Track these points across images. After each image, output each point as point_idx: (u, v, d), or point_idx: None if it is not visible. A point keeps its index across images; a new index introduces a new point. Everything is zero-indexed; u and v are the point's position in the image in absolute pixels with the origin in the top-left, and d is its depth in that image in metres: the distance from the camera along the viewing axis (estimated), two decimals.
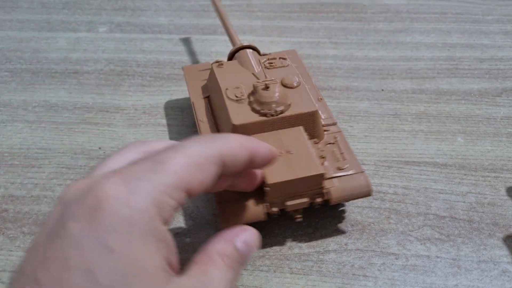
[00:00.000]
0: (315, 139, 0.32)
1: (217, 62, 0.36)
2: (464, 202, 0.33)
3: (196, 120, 0.34)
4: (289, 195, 0.28)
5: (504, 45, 0.49)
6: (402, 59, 0.47)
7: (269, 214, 0.28)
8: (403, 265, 0.29)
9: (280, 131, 0.30)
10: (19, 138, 0.39)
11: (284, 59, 0.36)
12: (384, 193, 0.34)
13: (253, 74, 0.34)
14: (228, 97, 0.31)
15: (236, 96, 0.31)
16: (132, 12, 0.56)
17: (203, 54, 0.48)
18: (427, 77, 0.45)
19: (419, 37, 0.50)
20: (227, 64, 0.35)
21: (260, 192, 0.28)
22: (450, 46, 0.49)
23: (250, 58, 0.36)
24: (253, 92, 0.31)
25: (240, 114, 0.30)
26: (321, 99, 0.35)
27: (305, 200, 0.28)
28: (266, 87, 0.31)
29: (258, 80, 0.32)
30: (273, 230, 0.32)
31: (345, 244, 0.31)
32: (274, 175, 0.27)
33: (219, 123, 0.33)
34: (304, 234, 0.31)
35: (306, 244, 0.31)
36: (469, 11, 0.55)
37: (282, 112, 0.30)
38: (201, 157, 0.19)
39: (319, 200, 0.28)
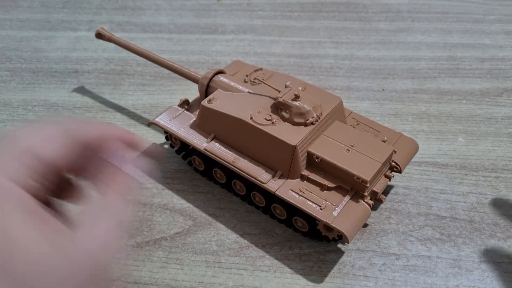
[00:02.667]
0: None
1: (185, 102, 0.34)
2: (465, 202, 0.33)
3: (226, 163, 0.30)
4: (375, 181, 0.29)
5: (505, 45, 0.49)
6: (403, 59, 0.47)
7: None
8: (403, 265, 0.29)
9: (326, 132, 0.30)
10: None
11: (260, 69, 0.35)
12: (385, 193, 0.34)
13: (253, 93, 0.32)
14: (259, 124, 0.29)
15: (267, 120, 0.29)
16: (133, 11, 0.56)
17: (203, 53, 0.48)
18: (428, 77, 0.45)
19: (420, 36, 0.50)
20: (217, 96, 0.32)
21: (343, 192, 0.28)
22: (451, 46, 0.49)
23: (230, 82, 0.34)
24: (285, 108, 0.30)
25: (288, 133, 0.28)
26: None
27: (384, 179, 0.30)
28: (297, 97, 0.29)
29: (278, 96, 0.30)
30: (274, 230, 0.32)
31: (346, 244, 0.31)
32: (364, 170, 0.28)
33: (252, 154, 0.30)
34: (304, 234, 0.31)
35: (306, 244, 0.31)
36: (471, 11, 0.55)
37: (321, 114, 0.30)
38: (52, 130, 0.21)
39: (391, 173, 0.30)
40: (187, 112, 0.34)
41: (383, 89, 0.43)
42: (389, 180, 0.30)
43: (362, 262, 0.30)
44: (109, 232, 0.20)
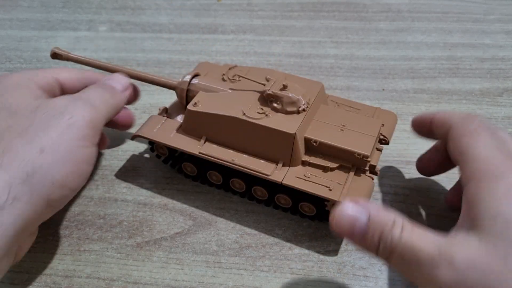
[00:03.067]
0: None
1: (165, 110, 0.34)
2: None
3: (225, 163, 0.30)
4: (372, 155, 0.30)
5: (505, 44, 0.49)
6: (403, 59, 0.47)
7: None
8: None
9: (316, 117, 0.31)
10: None
11: (235, 66, 0.36)
12: (385, 193, 0.34)
13: (237, 90, 0.32)
14: (254, 118, 0.29)
15: (260, 113, 0.30)
16: (133, 11, 0.56)
17: (203, 53, 0.48)
18: (428, 76, 0.44)
19: (421, 36, 0.50)
20: (201, 99, 0.31)
21: (346, 170, 0.29)
22: (452, 46, 0.49)
23: (209, 83, 0.33)
24: (275, 99, 0.30)
25: (284, 123, 0.29)
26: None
27: (377, 152, 0.31)
28: (285, 87, 0.30)
29: (265, 89, 0.31)
30: (274, 230, 0.32)
31: (346, 244, 0.31)
32: (362, 146, 0.29)
33: (249, 150, 0.30)
34: (304, 234, 0.31)
35: (306, 244, 0.31)
36: (471, 11, 0.55)
37: (310, 100, 0.31)
38: (70, 69, 0.33)
39: (382, 146, 0.32)
40: (170, 120, 0.33)
41: (383, 89, 0.43)
42: (380, 152, 0.32)
43: (362, 262, 0.30)
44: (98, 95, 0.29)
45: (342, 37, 0.50)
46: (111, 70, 0.35)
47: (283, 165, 0.30)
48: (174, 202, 0.33)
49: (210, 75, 0.35)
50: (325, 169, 0.29)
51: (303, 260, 0.30)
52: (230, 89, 0.33)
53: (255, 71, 0.34)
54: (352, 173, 0.29)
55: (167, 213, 0.33)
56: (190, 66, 0.46)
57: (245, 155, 0.30)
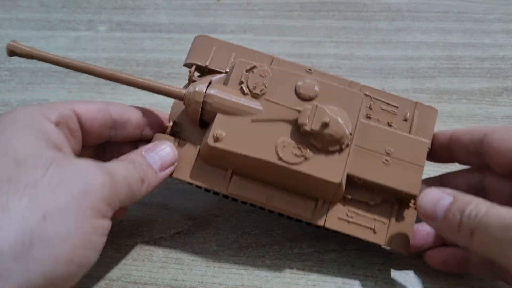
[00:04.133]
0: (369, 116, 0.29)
1: (175, 125, 0.28)
2: None
3: (259, 204, 0.27)
4: None
5: (505, 44, 0.49)
6: (403, 58, 0.47)
7: None
8: (403, 264, 0.29)
9: (357, 141, 0.27)
10: None
11: (253, 67, 0.28)
12: None
13: (265, 120, 0.27)
14: (291, 163, 0.25)
15: (297, 156, 0.26)
16: (132, 11, 0.55)
17: None
18: (428, 76, 0.44)
19: (420, 36, 0.50)
20: (222, 129, 0.26)
21: (389, 205, 0.28)
22: (451, 46, 0.49)
23: (229, 97, 0.27)
24: (314, 136, 0.26)
25: (327, 167, 0.26)
26: (310, 69, 0.30)
27: None
28: (326, 124, 0.25)
29: (301, 122, 0.26)
30: (274, 230, 0.32)
31: (345, 244, 0.31)
32: (410, 183, 0.27)
33: (286, 188, 0.27)
34: (304, 234, 0.31)
35: (306, 244, 0.31)
36: (471, 10, 0.55)
37: (351, 133, 0.26)
38: (90, 101, 0.28)
39: None
40: (184, 144, 0.28)
41: (383, 89, 0.43)
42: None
43: (362, 261, 0.30)
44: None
45: (342, 36, 0.50)
46: (92, 72, 0.30)
47: (324, 204, 0.27)
48: (174, 202, 0.33)
49: (216, 61, 0.30)
50: (367, 205, 0.27)
51: (303, 260, 0.30)
52: (255, 107, 0.27)
53: (280, 77, 0.28)
54: (396, 208, 0.27)
55: (167, 213, 0.33)
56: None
57: (281, 193, 0.27)
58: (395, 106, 0.30)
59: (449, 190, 0.24)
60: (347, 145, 0.26)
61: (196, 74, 0.31)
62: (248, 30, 0.51)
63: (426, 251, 0.28)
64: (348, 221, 0.27)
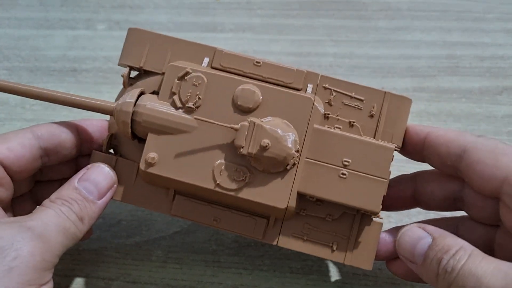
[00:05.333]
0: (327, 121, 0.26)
1: (109, 138, 0.26)
2: None
3: (206, 225, 0.25)
4: None
5: (505, 43, 0.49)
6: (403, 57, 0.47)
7: None
8: None
9: (309, 153, 0.24)
10: None
11: (186, 74, 0.25)
12: None
13: (197, 137, 0.24)
14: (231, 190, 0.23)
15: (236, 180, 0.23)
16: (131, 9, 0.55)
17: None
18: (428, 75, 0.44)
19: (420, 35, 0.50)
20: (154, 151, 0.24)
21: (350, 217, 0.25)
22: (451, 44, 0.49)
23: (161, 112, 0.24)
24: (254, 160, 0.23)
25: (271, 191, 0.23)
26: (258, 63, 0.26)
27: None
28: (265, 148, 0.23)
29: (238, 144, 0.23)
30: None
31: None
32: (370, 200, 0.24)
33: (236, 207, 0.25)
34: None
35: None
36: (470, 9, 0.54)
37: (298, 150, 0.24)
38: (10, 134, 0.24)
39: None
40: (123, 160, 0.25)
41: (383, 88, 0.43)
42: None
43: None
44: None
45: (341, 35, 0.50)
46: (21, 93, 0.26)
47: (276, 221, 0.25)
48: None
49: (151, 61, 0.27)
50: (324, 219, 0.25)
51: (303, 259, 0.30)
52: (188, 125, 0.24)
53: (216, 86, 0.25)
54: (357, 221, 0.25)
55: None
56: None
57: (228, 212, 0.25)
58: (360, 100, 0.26)
59: (430, 228, 0.22)
60: (294, 164, 0.24)
61: (134, 73, 0.28)
62: (247, 29, 0.51)
63: (389, 260, 0.26)
64: (304, 239, 0.25)
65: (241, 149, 0.23)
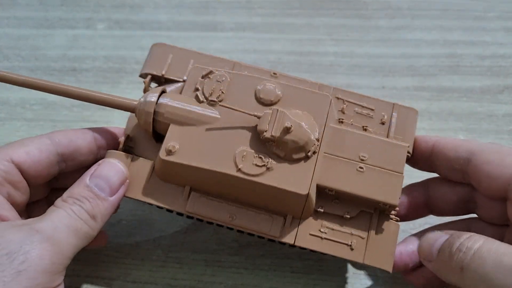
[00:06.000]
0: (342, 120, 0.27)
1: (128, 139, 0.26)
2: None
3: (221, 223, 0.25)
4: None
5: (506, 42, 0.49)
6: (403, 56, 0.47)
7: None
8: None
9: (327, 148, 0.25)
10: (17, 136, 0.38)
11: (210, 72, 0.26)
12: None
13: (221, 128, 0.24)
14: (252, 175, 0.23)
15: (259, 166, 0.23)
16: (131, 9, 0.55)
17: (202, 51, 0.48)
18: (429, 74, 0.44)
19: (421, 34, 0.50)
20: (175, 141, 0.24)
21: (367, 217, 0.25)
22: (452, 43, 0.49)
23: (183, 106, 0.25)
24: (276, 144, 0.23)
25: (292, 177, 0.23)
26: (275, 73, 0.28)
27: None
28: (288, 130, 0.23)
29: (260, 128, 0.23)
30: None
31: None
32: (389, 192, 0.24)
33: (250, 203, 0.25)
34: None
35: None
36: (471, 8, 0.54)
37: (318, 139, 0.24)
38: (28, 140, 0.25)
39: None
40: (138, 159, 0.25)
41: (383, 87, 0.43)
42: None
43: None
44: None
45: (341, 34, 0.50)
46: (40, 88, 0.26)
47: (293, 219, 0.25)
48: None
49: (173, 70, 0.27)
50: (342, 218, 0.25)
51: (303, 259, 0.30)
52: (211, 114, 0.25)
53: (239, 82, 0.26)
54: (375, 221, 0.25)
55: (166, 212, 0.32)
56: None
57: (245, 209, 0.24)
58: (371, 109, 0.27)
59: (449, 231, 0.22)
60: (314, 152, 0.24)
61: (154, 85, 0.29)
62: (247, 28, 0.51)
63: (408, 272, 0.26)
64: (322, 238, 0.24)
65: (264, 133, 0.23)
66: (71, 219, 0.22)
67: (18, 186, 0.24)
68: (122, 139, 0.26)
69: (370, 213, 0.25)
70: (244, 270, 0.29)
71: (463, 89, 0.43)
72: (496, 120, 0.39)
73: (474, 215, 0.27)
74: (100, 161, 0.24)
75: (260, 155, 0.23)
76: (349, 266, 0.29)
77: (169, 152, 0.24)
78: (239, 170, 0.23)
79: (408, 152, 0.26)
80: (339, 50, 0.48)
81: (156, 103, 0.25)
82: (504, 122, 0.39)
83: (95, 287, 0.28)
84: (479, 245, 0.19)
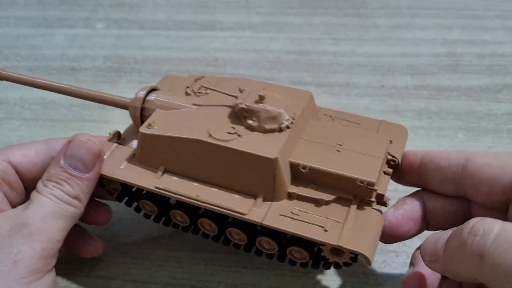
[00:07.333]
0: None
1: (116, 135, 0.27)
2: None
3: (188, 200, 0.24)
4: (378, 182, 0.24)
5: (505, 41, 0.49)
6: (403, 55, 0.47)
7: None
8: (403, 262, 0.29)
9: (305, 135, 0.25)
10: (16, 136, 0.38)
11: (202, 77, 0.29)
12: None
13: (202, 106, 0.26)
14: (222, 140, 0.23)
15: (230, 133, 0.23)
16: (130, 8, 0.55)
17: (201, 50, 0.48)
18: (428, 73, 0.44)
19: (420, 33, 0.50)
20: (157, 118, 0.25)
21: (346, 203, 0.23)
22: (451, 42, 0.49)
23: (169, 98, 0.27)
24: (250, 114, 0.24)
25: (262, 145, 0.23)
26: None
27: (385, 177, 0.26)
28: (261, 98, 0.24)
29: (236, 102, 0.24)
30: None
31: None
32: (365, 171, 0.23)
33: (220, 181, 0.24)
34: None
35: None
36: (470, 7, 0.54)
37: (295, 114, 0.24)
38: (25, 144, 0.26)
39: (390, 169, 0.26)
40: (122, 146, 0.27)
41: (383, 86, 0.43)
42: (390, 177, 0.25)
43: (363, 259, 0.30)
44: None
45: (341, 33, 0.50)
46: (44, 87, 0.29)
47: (264, 200, 0.23)
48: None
49: (174, 89, 0.29)
50: (318, 202, 0.23)
51: None
52: (195, 104, 0.26)
53: (226, 81, 0.28)
54: (354, 207, 0.23)
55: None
56: (188, 64, 0.46)
57: (214, 189, 0.24)
58: (357, 123, 0.27)
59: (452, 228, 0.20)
60: (288, 127, 0.24)
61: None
62: (246, 27, 0.51)
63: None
64: (293, 219, 0.22)
65: (239, 104, 0.24)
66: (55, 205, 0.23)
67: (15, 186, 0.25)
68: (111, 132, 0.27)
69: (349, 200, 0.23)
70: (244, 269, 0.29)
71: (462, 88, 0.43)
72: (495, 119, 0.39)
73: None
74: (70, 138, 0.25)
75: (233, 126, 0.24)
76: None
77: (149, 126, 0.25)
78: (210, 136, 0.23)
79: (396, 164, 0.25)
80: (339, 49, 0.48)
81: (144, 99, 0.27)
82: (503, 121, 0.39)
83: (94, 287, 0.28)
84: (500, 228, 0.16)
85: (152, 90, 0.27)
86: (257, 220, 0.22)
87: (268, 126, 0.24)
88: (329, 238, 0.22)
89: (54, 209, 0.23)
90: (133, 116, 0.27)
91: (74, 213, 0.24)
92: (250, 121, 0.24)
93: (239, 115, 0.24)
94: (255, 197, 0.23)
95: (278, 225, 0.22)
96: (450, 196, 0.24)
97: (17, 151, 0.25)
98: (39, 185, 0.24)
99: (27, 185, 0.25)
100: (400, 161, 0.26)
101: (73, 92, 0.29)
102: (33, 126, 0.39)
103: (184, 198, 0.24)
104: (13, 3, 0.56)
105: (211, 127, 0.24)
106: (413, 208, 0.25)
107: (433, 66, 0.45)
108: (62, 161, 0.24)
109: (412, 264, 0.25)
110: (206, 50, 0.48)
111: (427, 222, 0.25)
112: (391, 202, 0.25)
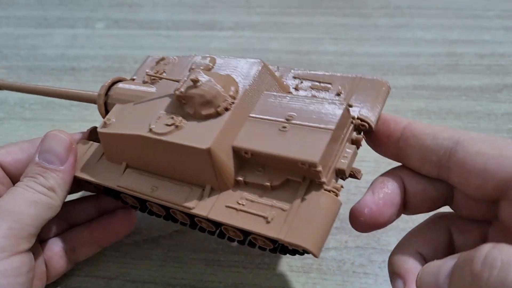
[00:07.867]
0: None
1: (94, 131, 0.28)
2: None
3: (143, 196, 0.24)
4: (332, 157, 0.22)
5: (505, 41, 0.49)
6: (403, 55, 0.47)
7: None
8: None
9: (254, 112, 0.23)
10: (16, 136, 0.38)
11: (162, 59, 0.28)
12: None
13: (149, 95, 0.25)
14: (159, 134, 0.22)
15: (168, 125, 0.22)
16: (130, 8, 0.55)
17: (201, 50, 0.48)
18: (428, 73, 0.44)
19: (420, 32, 0.50)
20: (113, 115, 0.25)
21: (294, 187, 0.21)
22: (451, 42, 0.49)
23: (129, 88, 0.27)
24: (187, 101, 0.23)
25: (197, 134, 0.22)
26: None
27: (350, 146, 0.23)
28: (195, 81, 0.22)
29: (176, 90, 0.23)
30: None
31: (345, 242, 0.30)
32: (308, 150, 0.20)
33: (171, 174, 0.24)
34: None
35: None
36: (470, 7, 0.54)
37: (237, 91, 0.23)
38: (11, 144, 0.27)
39: (360, 134, 0.24)
40: (97, 144, 0.27)
41: None
42: (359, 145, 0.23)
43: (362, 259, 0.30)
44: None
45: (341, 33, 0.50)
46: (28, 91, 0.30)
47: (212, 191, 0.22)
48: None
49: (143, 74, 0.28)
50: (265, 188, 0.21)
51: (303, 258, 0.30)
52: (148, 89, 0.26)
53: (184, 61, 0.27)
54: (302, 192, 0.21)
55: None
56: None
57: (169, 182, 0.23)
58: (328, 83, 0.25)
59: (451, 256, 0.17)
60: (226, 109, 0.22)
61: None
62: (246, 27, 0.51)
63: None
64: (237, 210, 0.21)
65: (176, 91, 0.23)
66: (27, 193, 0.24)
67: (3, 181, 0.26)
68: (88, 129, 0.28)
69: (298, 183, 0.21)
70: (244, 269, 0.29)
71: (462, 88, 0.42)
72: (495, 119, 0.39)
73: (445, 208, 0.23)
74: (43, 136, 0.26)
75: (172, 116, 0.23)
76: (349, 265, 0.29)
77: (104, 124, 0.25)
78: (150, 130, 0.23)
79: (369, 124, 0.23)
80: (339, 49, 0.48)
81: (108, 88, 0.27)
82: (503, 121, 0.39)
83: (94, 287, 0.28)
84: None
85: (118, 81, 0.28)
86: (202, 214, 0.22)
87: (204, 112, 0.22)
88: (269, 230, 0.20)
89: (26, 196, 0.23)
90: (100, 112, 0.28)
91: (49, 203, 0.24)
92: (187, 108, 0.23)
93: (180, 102, 0.24)
94: (203, 187, 0.23)
95: (222, 218, 0.21)
96: (432, 179, 0.22)
97: (1, 149, 0.26)
98: (18, 183, 0.25)
99: (14, 181, 0.26)
100: (374, 125, 0.23)
101: (39, 91, 0.30)
102: (33, 126, 0.39)
103: (139, 195, 0.24)
104: (13, 3, 0.56)
105: (153, 119, 0.23)
106: (394, 191, 0.22)
107: (433, 66, 0.45)
108: (37, 158, 0.25)
109: (395, 275, 0.21)
110: (206, 50, 0.48)
111: (404, 206, 0.22)
112: (370, 172, 0.24)
